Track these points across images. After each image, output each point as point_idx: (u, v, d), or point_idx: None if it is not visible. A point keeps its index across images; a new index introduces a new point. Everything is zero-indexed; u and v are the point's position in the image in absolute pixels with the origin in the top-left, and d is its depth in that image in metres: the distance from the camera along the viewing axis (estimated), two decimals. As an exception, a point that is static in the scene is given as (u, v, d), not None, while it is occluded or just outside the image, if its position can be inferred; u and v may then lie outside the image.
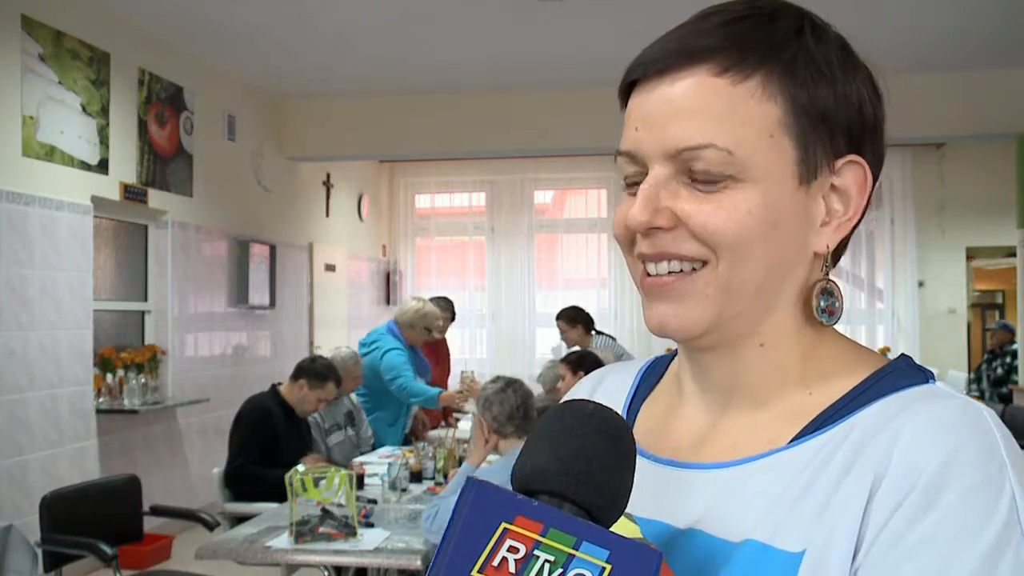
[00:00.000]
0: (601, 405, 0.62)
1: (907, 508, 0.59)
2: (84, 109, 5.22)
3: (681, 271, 0.69)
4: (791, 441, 0.68)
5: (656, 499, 0.71)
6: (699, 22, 0.69)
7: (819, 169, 0.69)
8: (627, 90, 0.72)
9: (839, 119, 0.68)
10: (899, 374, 0.69)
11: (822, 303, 0.71)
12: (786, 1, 0.71)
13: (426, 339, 5.89)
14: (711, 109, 0.66)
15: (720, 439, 0.72)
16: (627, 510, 0.65)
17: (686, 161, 0.67)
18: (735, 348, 0.72)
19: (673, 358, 0.83)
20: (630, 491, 0.60)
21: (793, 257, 0.70)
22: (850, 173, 0.70)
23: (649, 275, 0.70)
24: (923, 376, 0.69)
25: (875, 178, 0.71)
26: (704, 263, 0.68)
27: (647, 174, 0.69)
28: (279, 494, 3.43)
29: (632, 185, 0.71)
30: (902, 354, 0.73)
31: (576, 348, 5.60)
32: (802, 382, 0.71)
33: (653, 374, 0.85)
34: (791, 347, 0.72)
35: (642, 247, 0.70)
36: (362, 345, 5.56)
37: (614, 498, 0.58)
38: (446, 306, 6.27)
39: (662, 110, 0.68)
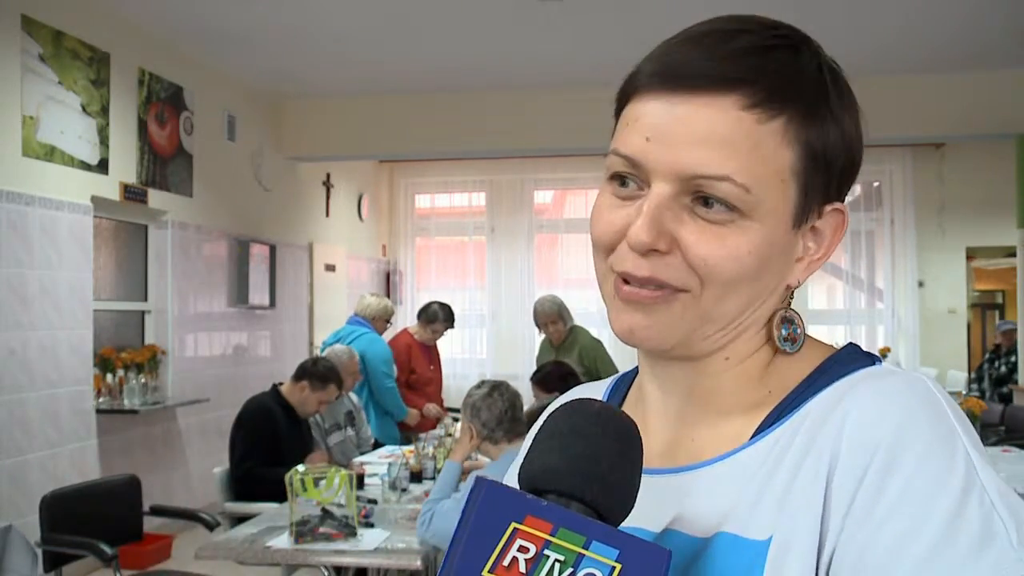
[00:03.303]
0: (607, 404, 0.63)
1: (869, 481, 0.61)
2: (84, 109, 5.22)
3: (663, 289, 0.69)
4: (752, 437, 0.70)
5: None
6: (725, 42, 0.67)
7: (810, 214, 0.71)
8: (632, 90, 0.70)
9: (838, 164, 0.70)
10: (846, 360, 0.71)
11: (784, 332, 0.73)
12: (802, 32, 0.71)
13: (424, 339, 6.28)
14: (735, 143, 0.66)
15: (687, 444, 0.74)
16: None
17: (696, 186, 0.66)
18: (700, 360, 0.73)
19: (636, 375, 0.84)
20: (638, 490, 0.60)
21: (770, 291, 0.72)
22: (831, 218, 0.72)
23: (627, 284, 0.70)
24: (869, 360, 0.71)
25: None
26: (687, 291, 0.69)
27: (645, 184, 0.68)
28: (283, 492, 3.44)
29: (622, 185, 0.70)
30: (849, 342, 0.75)
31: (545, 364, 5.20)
32: (762, 385, 0.73)
33: (620, 388, 0.86)
34: (754, 362, 0.74)
35: (629, 265, 0.69)
36: (344, 339, 5.66)
37: (622, 497, 0.59)
38: (447, 314, 6.29)
39: (681, 131, 0.66)
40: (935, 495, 0.59)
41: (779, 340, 0.73)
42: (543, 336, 6.14)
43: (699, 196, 0.67)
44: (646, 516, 0.70)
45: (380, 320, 6.14)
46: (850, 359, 0.71)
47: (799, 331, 0.73)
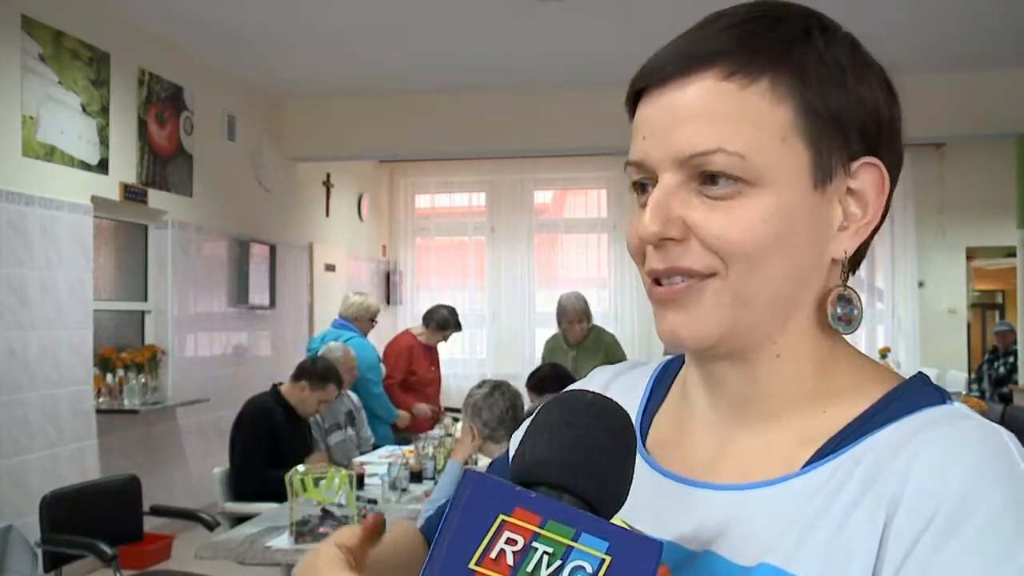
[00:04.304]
0: (600, 395, 0.61)
1: (931, 534, 0.57)
2: (84, 109, 5.22)
3: (691, 278, 0.67)
4: (805, 466, 0.66)
5: (667, 516, 0.70)
6: (703, 27, 0.68)
7: (834, 172, 0.67)
8: (634, 100, 0.71)
9: (852, 120, 0.67)
10: (914, 394, 0.67)
11: (838, 310, 0.68)
12: (793, 3, 0.70)
13: (432, 340, 6.29)
14: (720, 113, 0.65)
15: (734, 459, 0.71)
16: (637, 524, 0.65)
17: (696, 167, 0.65)
18: (750, 359, 0.70)
19: (683, 363, 0.81)
20: (631, 482, 0.59)
21: (809, 264, 0.68)
22: (867, 175, 0.68)
23: (659, 285, 0.68)
24: (939, 396, 0.67)
25: (894, 180, 0.70)
26: (714, 274, 0.66)
27: (655, 183, 0.68)
28: (284, 492, 3.43)
29: (642, 193, 0.70)
30: (919, 372, 0.71)
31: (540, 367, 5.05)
32: (817, 397, 0.69)
33: (664, 381, 0.82)
34: (807, 358, 0.70)
35: (653, 262, 0.68)
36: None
37: (615, 489, 0.58)
38: (456, 320, 6.27)
39: (669, 117, 0.66)
40: (998, 563, 0.55)
41: (832, 319, 0.68)
42: (554, 334, 5.95)
43: (705, 177, 0.66)
44: (680, 530, 0.68)
45: (363, 320, 6.08)
46: (920, 394, 0.67)
47: (856, 312, 0.68)
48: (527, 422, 0.88)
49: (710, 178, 0.65)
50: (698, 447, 0.73)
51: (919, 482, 0.59)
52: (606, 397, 0.61)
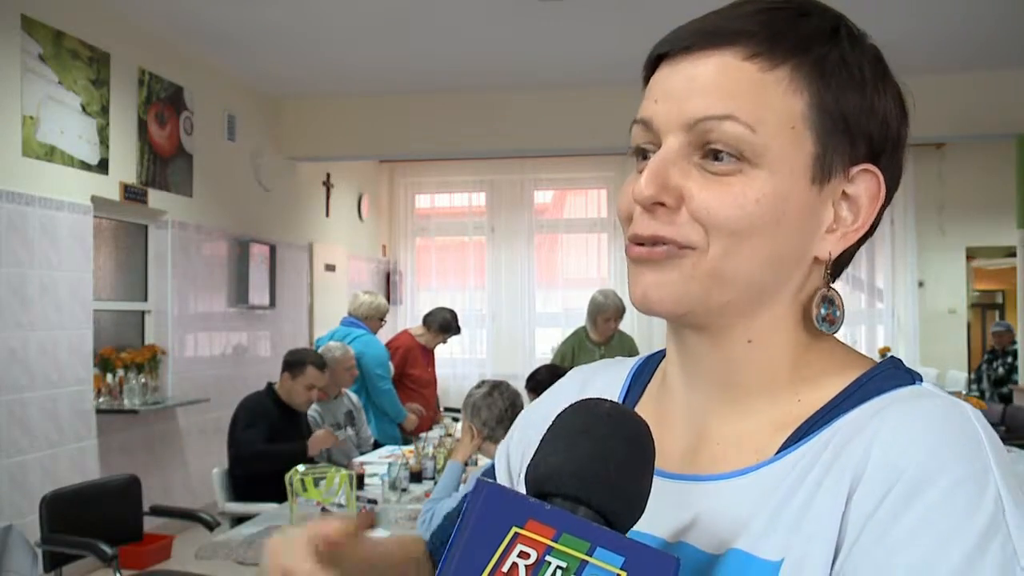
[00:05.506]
0: (618, 404, 0.61)
1: (889, 504, 0.58)
2: (84, 109, 5.22)
3: (668, 245, 0.67)
4: (778, 452, 0.67)
5: (647, 511, 0.70)
6: (733, 8, 0.69)
7: (834, 172, 0.68)
8: (652, 67, 0.72)
9: (862, 126, 0.68)
10: (885, 377, 0.68)
11: (823, 311, 0.69)
12: (823, 2, 0.71)
13: (428, 342, 6.29)
14: (736, 90, 0.65)
15: (710, 450, 0.71)
16: None
17: (703, 134, 0.66)
18: (723, 339, 0.70)
19: (662, 358, 0.81)
20: (648, 494, 0.58)
21: (791, 257, 0.68)
22: (864, 182, 0.69)
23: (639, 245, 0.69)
24: (910, 378, 0.68)
25: (890, 194, 0.70)
26: (694, 248, 0.66)
27: (659, 147, 0.68)
28: (280, 472, 3.42)
29: (643, 159, 0.70)
30: (891, 356, 0.72)
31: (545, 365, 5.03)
32: (791, 386, 0.70)
33: (643, 375, 0.83)
34: (781, 349, 0.70)
35: (638, 226, 0.68)
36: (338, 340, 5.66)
37: (631, 502, 0.57)
38: (457, 324, 6.26)
39: (685, 86, 0.67)
40: (955, 533, 0.56)
41: (817, 320, 0.69)
42: (574, 331, 5.85)
43: (709, 151, 0.66)
44: (661, 524, 0.68)
45: (374, 319, 6.10)
46: (890, 376, 0.68)
47: (839, 313, 0.69)
48: (524, 412, 0.87)
49: (713, 153, 0.66)
50: (676, 440, 0.73)
51: (880, 456, 0.60)
52: (624, 407, 0.61)
